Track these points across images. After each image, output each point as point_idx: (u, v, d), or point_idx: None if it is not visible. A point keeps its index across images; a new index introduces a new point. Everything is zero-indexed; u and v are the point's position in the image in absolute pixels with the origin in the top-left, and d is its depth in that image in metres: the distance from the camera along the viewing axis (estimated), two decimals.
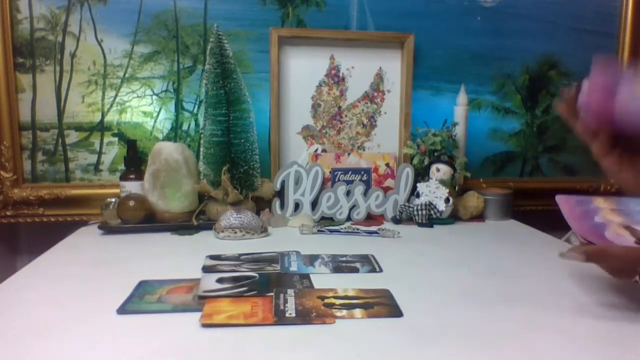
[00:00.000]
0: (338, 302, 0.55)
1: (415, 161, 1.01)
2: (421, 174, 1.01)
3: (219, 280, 0.60)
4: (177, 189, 0.91)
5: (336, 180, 1.00)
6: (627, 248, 0.50)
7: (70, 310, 0.53)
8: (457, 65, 1.10)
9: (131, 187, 0.92)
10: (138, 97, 1.02)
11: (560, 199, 0.51)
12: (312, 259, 0.67)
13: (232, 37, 1.01)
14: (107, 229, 0.87)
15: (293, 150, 1.05)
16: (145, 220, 0.88)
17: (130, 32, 1.00)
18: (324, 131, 1.06)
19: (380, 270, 0.63)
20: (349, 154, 1.04)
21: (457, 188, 1.01)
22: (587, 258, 0.49)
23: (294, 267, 0.64)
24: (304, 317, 0.50)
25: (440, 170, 0.97)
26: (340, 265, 0.65)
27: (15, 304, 0.55)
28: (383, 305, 0.54)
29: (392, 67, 1.07)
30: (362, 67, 1.06)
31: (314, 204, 0.97)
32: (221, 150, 0.93)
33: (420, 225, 0.94)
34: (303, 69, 1.04)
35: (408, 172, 0.99)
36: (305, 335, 0.47)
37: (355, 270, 0.63)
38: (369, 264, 0.66)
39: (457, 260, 0.72)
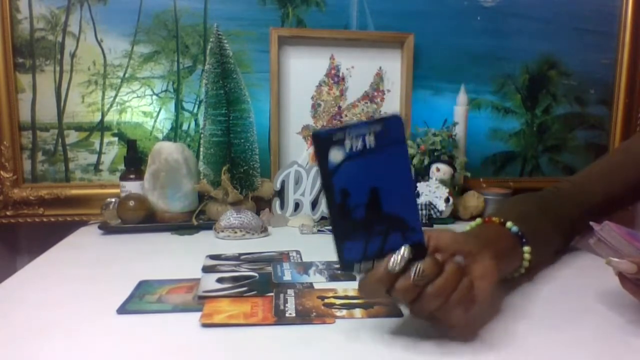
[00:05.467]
0: (338, 302, 0.55)
1: (415, 161, 1.01)
2: (421, 174, 1.01)
3: (219, 280, 0.61)
4: (177, 189, 0.91)
5: None
6: None
7: (70, 310, 0.53)
8: (457, 65, 1.10)
9: (131, 187, 0.92)
10: (138, 97, 1.02)
11: (609, 224, 0.50)
12: (306, 267, 0.67)
13: (232, 37, 1.01)
14: (107, 229, 0.87)
15: (293, 150, 1.05)
16: (145, 220, 0.88)
17: (130, 32, 1.00)
18: None
19: None
20: None
21: (457, 188, 1.01)
22: None
23: (287, 277, 0.63)
24: (303, 317, 0.50)
25: (440, 170, 0.97)
26: (335, 272, 0.65)
27: (15, 304, 0.54)
28: (383, 305, 0.54)
29: (392, 67, 1.07)
30: (362, 67, 1.06)
31: (314, 204, 0.97)
32: (221, 150, 0.93)
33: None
34: (303, 69, 1.04)
35: None
36: (305, 335, 0.47)
37: (352, 278, 0.63)
38: None
39: None
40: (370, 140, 0.40)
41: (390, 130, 0.40)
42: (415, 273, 0.41)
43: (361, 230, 0.42)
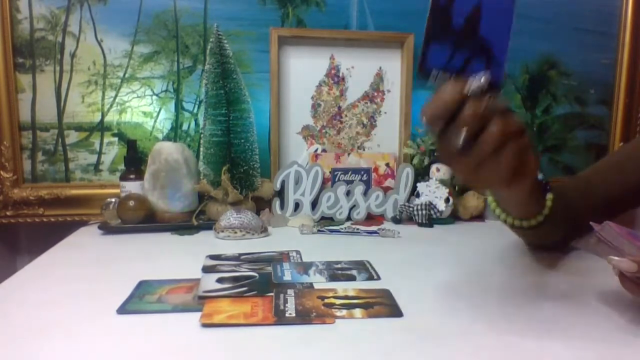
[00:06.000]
0: (338, 302, 0.55)
1: (415, 161, 1.01)
2: (421, 174, 1.01)
3: (219, 280, 0.60)
4: (177, 189, 0.91)
5: (336, 180, 1.00)
6: None
7: (70, 310, 0.53)
8: None
9: (131, 187, 0.92)
10: (138, 97, 1.02)
11: (610, 224, 0.50)
12: (306, 267, 0.67)
13: (232, 37, 1.01)
14: (107, 229, 0.87)
15: (293, 150, 1.05)
16: (145, 220, 0.88)
17: (130, 32, 1.00)
18: (324, 131, 1.06)
19: (378, 278, 0.63)
20: (349, 154, 1.04)
21: (457, 188, 1.01)
22: None
23: (287, 277, 0.63)
24: (303, 317, 0.50)
25: (440, 170, 0.97)
26: (335, 273, 0.65)
27: (15, 304, 0.54)
28: (383, 305, 0.54)
29: (392, 67, 1.07)
30: (362, 67, 1.06)
31: (314, 204, 0.97)
32: (221, 150, 0.93)
33: (420, 225, 0.94)
34: (303, 69, 1.04)
35: (408, 172, 0.99)
36: (305, 335, 0.47)
37: (352, 278, 0.63)
38: (366, 271, 0.65)
39: (457, 260, 0.72)
40: None
41: None
42: (487, 103, 0.41)
43: (453, 38, 0.42)
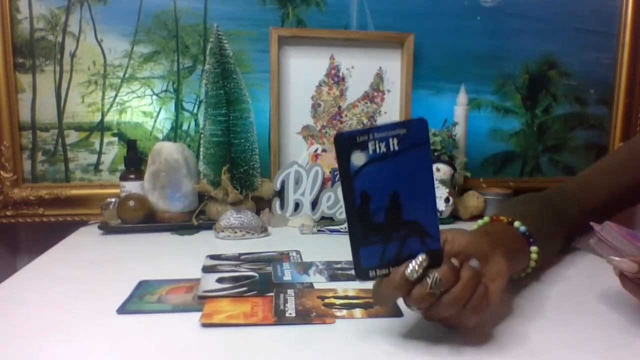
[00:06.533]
0: (338, 302, 0.55)
1: None
2: None
3: (219, 280, 0.61)
4: (177, 189, 0.91)
5: (336, 180, 1.00)
6: None
7: (70, 310, 0.53)
8: (457, 65, 1.10)
9: (131, 187, 0.92)
10: (138, 97, 1.02)
11: (610, 224, 0.50)
12: (306, 267, 0.67)
13: (232, 37, 1.01)
14: (107, 229, 0.87)
15: (293, 150, 1.05)
16: (145, 220, 0.88)
17: (130, 32, 1.00)
18: (324, 131, 1.06)
19: None
20: None
21: (457, 188, 1.01)
22: None
23: (287, 277, 0.63)
24: (303, 317, 0.50)
25: (440, 170, 0.97)
26: (335, 272, 0.65)
27: (15, 304, 0.55)
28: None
29: (392, 67, 1.07)
30: (362, 67, 1.06)
31: (314, 204, 0.97)
32: (221, 150, 0.93)
33: None
34: (303, 69, 1.04)
35: None
36: (305, 335, 0.47)
37: (352, 277, 0.63)
38: None
39: None
40: (393, 143, 0.39)
41: (414, 133, 0.39)
42: (432, 282, 0.41)
43: (380, 235, 0.41)
